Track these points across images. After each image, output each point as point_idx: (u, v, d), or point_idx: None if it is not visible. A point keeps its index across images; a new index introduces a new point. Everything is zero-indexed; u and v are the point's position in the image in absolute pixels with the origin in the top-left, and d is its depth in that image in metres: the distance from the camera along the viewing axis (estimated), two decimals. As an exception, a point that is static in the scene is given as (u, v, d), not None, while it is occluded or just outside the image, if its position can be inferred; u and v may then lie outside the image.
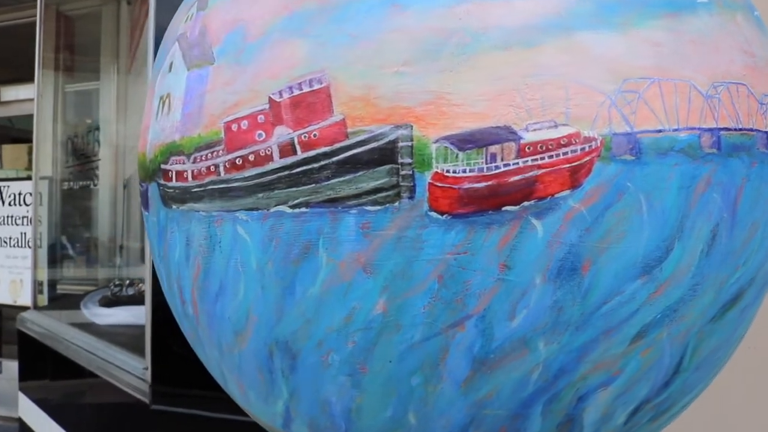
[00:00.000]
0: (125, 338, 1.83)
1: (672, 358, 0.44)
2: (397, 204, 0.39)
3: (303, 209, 0.41)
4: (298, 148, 0.41)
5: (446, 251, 0.39)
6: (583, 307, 0.40)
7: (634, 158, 0.39)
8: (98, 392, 1.69)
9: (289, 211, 0.41)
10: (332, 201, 0.40)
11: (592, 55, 0.39)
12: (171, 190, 0.49)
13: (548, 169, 0.38)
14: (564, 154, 0.38)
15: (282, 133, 0.42)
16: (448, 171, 0.38)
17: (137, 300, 2.20)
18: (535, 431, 0.44)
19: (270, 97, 0.42)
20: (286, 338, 0.44)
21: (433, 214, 0.38)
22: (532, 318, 0.40)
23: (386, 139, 0.39)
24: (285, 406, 0.49)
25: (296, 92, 0.41)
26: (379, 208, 0.39)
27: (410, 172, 0.38)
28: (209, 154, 0.45)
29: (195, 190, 0.47)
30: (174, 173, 0.49)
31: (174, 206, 0.49)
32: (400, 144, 0.38)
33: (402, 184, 0.39)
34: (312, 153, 0.40)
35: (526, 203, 0.38)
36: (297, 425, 0.50)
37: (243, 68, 0.44)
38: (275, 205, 0.42)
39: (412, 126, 0.38)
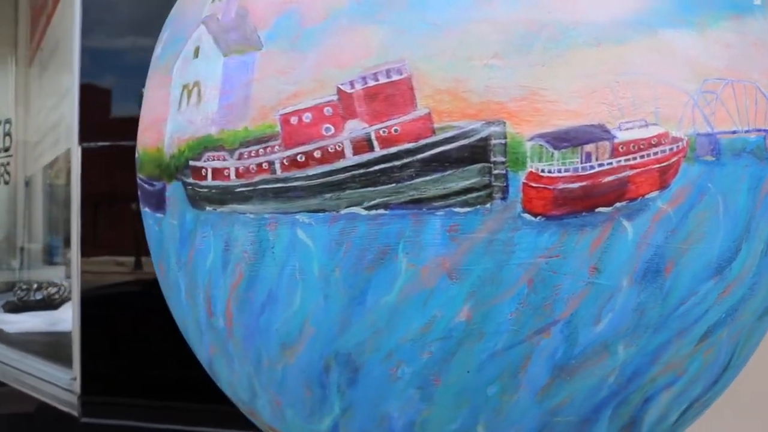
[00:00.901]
0: (41, 346, 1.68)
1: (725, 357, 0.45)
2: (488, 205, 0.37)
3: (381, 211, 0.38)
4: (375, 144, 0.38)
5: (538, 254, 0.37)
6: (662, 309, 0.40)
7: (714, 159, 0.39)
8: (17, 406, 1.54)
9: (364, 213, 0.38)
10: (416, 202, 0.38)
11: (675, 53, 0.39)
12: (205, 190, 0.44)
13: (640, 170, 0.38)
14: (654, 154, 0.38)
15: (355, 127, 0.38)
16: (543, 171, 0.37)
17: (47, 305, 2.03)
18: (601, 436, 0.44)
19: (339, 88, 0.39)
20: (348, 350, 0.41)
21: (527, 216, 0.37)
22: (616, 322, 0.39)
23: (478, 136, 0.37)
24: (333, 423, 0.45)
25: (371, 83, 0.38)
26: (468, 209, 0.37)
27: (503, 172, 0.37)
28: (260, 150, 0.41)
29: (240, 189, 0.42)
30: (210, 171, 0.44)
31: (209, 208, 0.44)
32: (493, 141, 0.37)
33: (494, 184, 0.37)
34: (393, 150, 0.38)
35: (618, 204, 0.38)
36: (341, 443, 0.47)
37: (302, 55, 0.40)
38: (347, 207, 0.39)
39: (505, 122, 0.37)
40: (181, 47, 0.49)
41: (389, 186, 0.38)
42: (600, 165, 0.37)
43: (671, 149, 0.38)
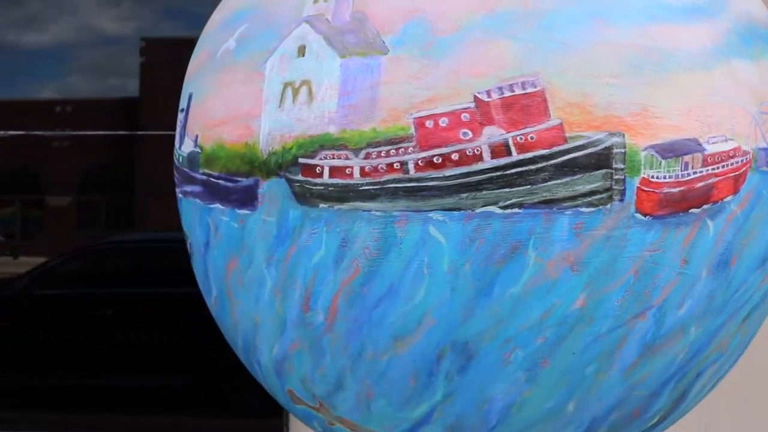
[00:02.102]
0: None
1: (751, 336, 0.55)
2: (609, 206, 0.43)
3: (515, 210, 0.42)
4: (513, 149, 0.42)
5: (645, 249, 0.44)
6: (724, 295, 0.48)
7: (767, 169, 0.48)
8: None
9: (499, 211, 0.43)
10: (547, 202, 0.42)
11: (740, 80, 0.47)
12: (320, 187, 0.46)
13: (721, 177, 0.45)
14: (731, 164, 0.46)
15: (493, 133, 0.42)
16: (652, 177, 0.43)
17: None
18: (658, 407, 0.51)
19: (476, 96, 0.43)
20: (467, 339, 0.45)
21: (638, 216, 0.43)
22: (694, 306, 0.47)
23: (603, 146, 0.42)
24: (430, 409, 0.49)
25: (508, 93, 0.42)
26: (593, 209, 0.43)
27: (622, 177, 0.43)
28: (391, 151, 0.44)
29: (366, 188, 0.45)
30: (327, 169, 0.45)
31: (323, 205, 0.46)
32: (615, 150, 0.42)
33: (614, 187, 0.43)
34: (529, 155, 0.42)
35: (705, 206, 0.45)
36: (430, 428, 0.50)
37: (435, 63, 0.43)
38: (482, 206, 0.43)
39: (624, 134, 0.43)
40: (272, 44, 0.49)
41: (524, 187, 0.42)
42: (694, 173, 0.44)
43: (742, 161, 0.46)
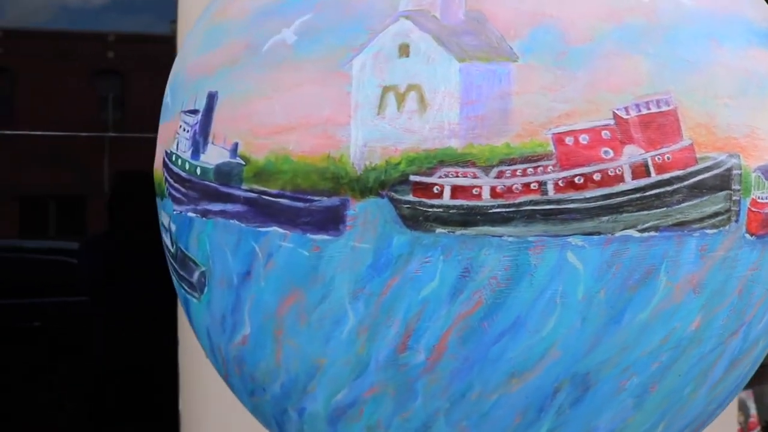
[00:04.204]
0: None
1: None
2: (727, 227, 0.43)
3: (652, 233, 0.41)
4: (652, 170, 0.41)
5: (748, 268, 0.45)
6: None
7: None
8: None
9: (637, 235, 0.41)
10: (679, 225, 0.42)
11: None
12: (438, 210, 0.40)
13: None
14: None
15: (634, 153, 0.41)
16: (759, 198, 0.44)
17: None
18: (714, 416, 0.54)
19: (615, 113, 0.40)
20: (588, 370, 0.43)
21: (747, 236, 0.44)
22: (767, 320, 0.49)
23: (725, 167, 0.43)
24: (526, 446, 0.46)
25: (644, 111, 0.41)
26: (715, 231, 0.43)
27: (738, 198, 0.43)
28: (528, 169, 0.40)
29: (497, 210, 0.40)
30: (447, 188, 0.40)
31: (440, 230, 0.40)
32: (734, 172, 0.43)
33: (732, 209, 0.43)
34: (666, 176, 0.41)
35: (788, 225, 0.48)
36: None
37: (571, 74, 0.40)
38: (622, 229, 0.41)
39: (739, 155, 0.43)
40: (357, 39, 0.43)
41: (660, 210, 0.41)
42: (784, 193, 0.47)
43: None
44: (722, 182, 0.43)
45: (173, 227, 0.55)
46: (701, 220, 0.43)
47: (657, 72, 0.42)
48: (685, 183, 0.42)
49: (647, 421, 0.47)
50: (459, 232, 0.41)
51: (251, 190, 0.46)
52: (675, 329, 0.44)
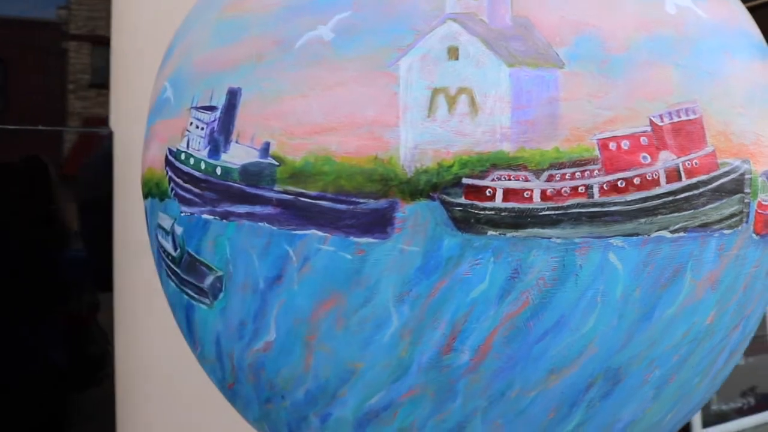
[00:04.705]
0: None
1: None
2: (740, 228, 0.47)
3: (681, 234, 0.44)
4: (683, 174, 0.43)
5: (753, 265, 0.49)
6: (765, 300, 0.57)
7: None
8: None
9: (669, 235, 0.43)
10: (703, 226, 0.45)
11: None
12: (490, 212, 0.41)
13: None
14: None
15: (667, 158, 0.43)
16: (764, 200, 0.48)
17: None
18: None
19: (652, 120, 0.43)
20: (620, 364, 0.45)
21: (754, 236, 0.48)
22: (759, 313, 0.54)
23: (740, 171, 0.46)
24: (554, 440, 0.48)
25: (676, 119, 0.44)
26: (730, 231, 0.46)
27: (748, 201, 0.47)
28: (576, 173, 0.41)
29: (547, 213, 0.41)
30: (500, 191, 0.41)
31: (492, 232, 0.41)
32: (746, 176, 0.47)
33: (744, 210, 0.47)
34: (694, 180, 0.44)
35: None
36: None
37: (612, 81, 0.42)
38: (657, 231, 0.43)
39: (750, 161, 0.47)
40: (402, 40, 0.43)
41: (689, 212, 0.44)
42: (778, 195, 0.51)
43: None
44: (737, 186, 0.47)
45: (179, 230, 0.53)
46: (720, 221, 0.46)
47: (685, 82, 0.45)
48: (709, 187, 0.45)
49: (661, 411, 0.51)
50: (510, 234, 0.42)
51: (286, 192, 0.45)
52: (695, 324, 0.47)
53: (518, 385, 0.45)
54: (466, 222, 0.42)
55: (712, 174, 0.45)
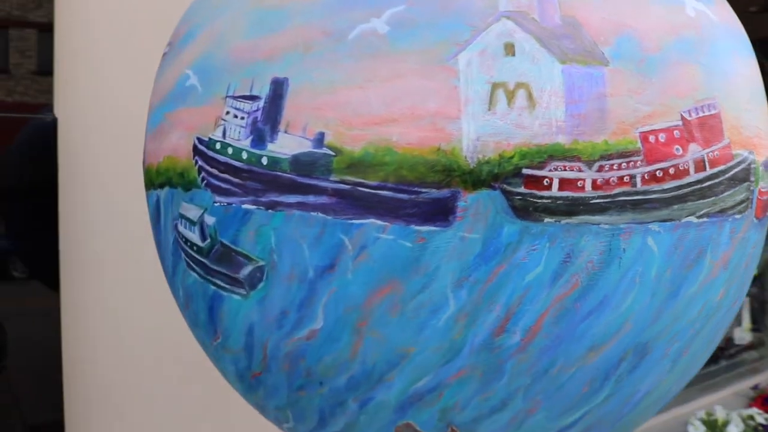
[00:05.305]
0: None
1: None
2: (746, 212, 0.52)
3: (704, 219, 0.49)
4: (707, 164, 0.48)
5: (752, 246, 0.55)
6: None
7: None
8: None
9: (696, 220, 0.48)
10: (721, 211, 0.50)
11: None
12: (547, 201, 0.44)
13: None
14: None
15: (695, 150, 0.48)
16: (763, 187, 0.54)
17: None
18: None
19: (682, 115, 0.47)
20: (648, 339, 0.50)
21: (755, 220, 0.54)
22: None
23: (747, 162, 0.52)
24: (582, 414, 0.52)
25: (701, 114, 0.48)
26: (740, 216, 0.52)
27: (752, 188, 0.53)
28: (622, 164, 0.45)
29: (596, 201, 0.45)
30: (556, 181, 0.44)
31: (548, 219, 0.44)
32: (752, 166, 0.52)
33: (749, 197, 0.53)
34: (715, 170, 0.49)
35: (768, 209, 0.59)
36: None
37: (649, 79, 0.46)
38: (686, 216, 0.48)
39: (753, 152, 0.53)
40: (459, 35, 0.45)
41: (711, 199, 0.49)
42: (769, 183, 0.58)
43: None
44: (745, 175, 0.52)
45: (210, 220, 0.53)
46: (733, 207, 0.52)
47: (707, 80, 0.50)
48: (726, 176, 0.51)
49: (672, 381, 0.56)
50: (564, 221, 0.45)
51: (343, 182, 0.46)
52: (709, 300, 0.53)
53: (561, 362, 0.49)
54: (524, 210, 0.45)
55: (728, 164, 0.51)
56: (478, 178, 0.44)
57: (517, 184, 0.44)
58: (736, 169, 0.51)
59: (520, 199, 0.45)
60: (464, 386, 0.49)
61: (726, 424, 2.19)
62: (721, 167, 0.50)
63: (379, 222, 0.46)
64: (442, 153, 0.44)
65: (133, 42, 1.19)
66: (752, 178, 0.53)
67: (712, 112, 0.50)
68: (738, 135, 0.52)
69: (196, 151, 0.53)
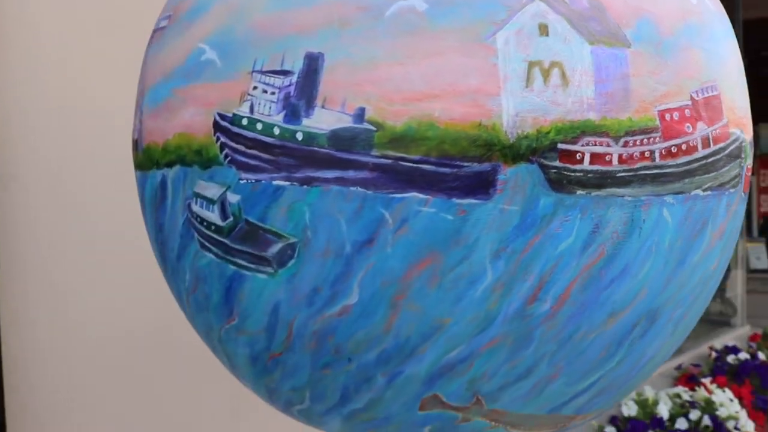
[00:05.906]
0: None
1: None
2: (738, 187, 0.58)
3: (708, 192, 0.54)
4: (711, 141, 0.53)
5: (739, 218, 0.61)
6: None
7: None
8: None
9: (702, 193, 0.53)
10: (720, 185, 0.55)
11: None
12: (579, 174, 0.47)
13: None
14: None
15: (702, 128, 0.52)
16: (748, 165, 0.60)
17: None
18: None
19: (692, 95, 0.52)
20: (659, 305, 0.54)
21: (742, 194, 0.60)
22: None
23: (740, 140, 0.57)
24: (597, 378, 0.56)
25: (706, 95, 0.53)
26: (734, 190, 0.57)
27: (743, 164, 0.58)
28: (644, 140, 0.49)
29: (621, 174, 0.49)
30: (588, 155, 0.47)
31: (580, 191, 0.48)
32: (743, 144, 0.58)
33: (740, 173, 0.58)
34: (717, 147, 0.54)
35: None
36: (585, 398, 0.57)
37: (664, 61, 0.50)
38: (695, 189, 0.52)
39: (743, 131, 0.58)
40: (496, 15, 0.48)
41: (713, 173, 0.54)
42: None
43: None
44: (738, 152, 0.58)
45: (233, 198, 0.53)
46: (730, 181, 0.57)
47: (709, 64, 0.55)
48: (725, 152, 0.56)
49: (672, 345, 0.61)
50: (594, 193, 0.49)
51: (385, 156, 0.47)
52: (708, 268, 0.58)
53: (584, 329, 0.52)
54: (559, 183, 0.48)
55: (727, 142, 0.56)
56: (517, 152, 0.47)
57: (553, 158, 0.47)
58: (731, 147, 0.57)
59: (555, 172, 0.48)
60: (494, 355, 0.52)
61: (656, 403, 2.35)
62: (722, 144, 0.55)
63: (420, 195, 0.48)
64: (483, 128, 0.47)
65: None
66: (743, 155, 0.59)
67: (715, 93, 0.55)
68: (733, 115, 0.57)
69: (217, 127, 0.53)
